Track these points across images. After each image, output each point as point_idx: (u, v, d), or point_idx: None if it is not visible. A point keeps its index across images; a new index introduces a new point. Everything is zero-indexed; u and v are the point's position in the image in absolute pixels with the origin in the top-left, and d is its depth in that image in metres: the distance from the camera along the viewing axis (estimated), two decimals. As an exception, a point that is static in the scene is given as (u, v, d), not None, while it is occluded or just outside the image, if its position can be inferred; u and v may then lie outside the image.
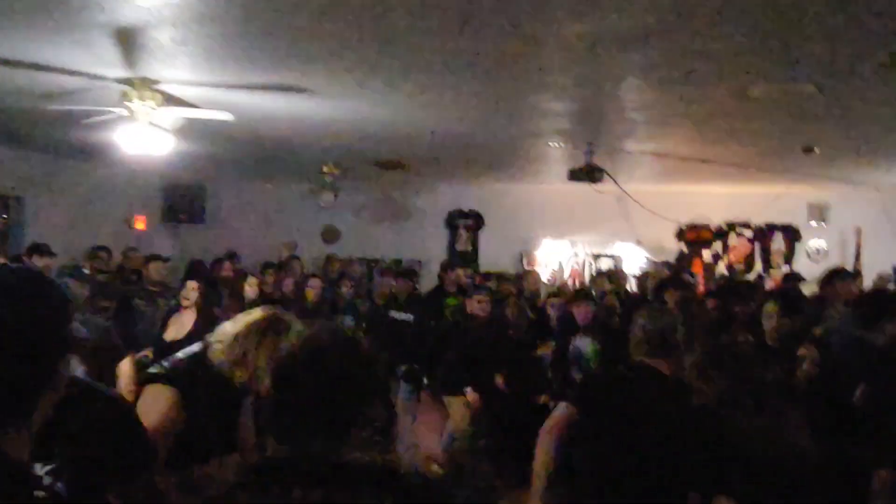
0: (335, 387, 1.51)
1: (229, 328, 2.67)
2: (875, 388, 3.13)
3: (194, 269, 8.40)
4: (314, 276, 8.05)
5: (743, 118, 5.64)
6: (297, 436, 1.50)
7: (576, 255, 11.27)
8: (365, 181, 10.64)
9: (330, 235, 11.83)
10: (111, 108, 5.19)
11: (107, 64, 4.60)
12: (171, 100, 5.27)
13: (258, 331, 2.61)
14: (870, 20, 3.37)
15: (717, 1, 3.23)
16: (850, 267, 9.35)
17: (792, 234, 10.70)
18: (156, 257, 7.08)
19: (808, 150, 6.68)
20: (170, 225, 11.65)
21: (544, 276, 10.40)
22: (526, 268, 10.46)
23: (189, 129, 6.19)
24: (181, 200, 11.63)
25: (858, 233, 10.02)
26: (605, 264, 10.79)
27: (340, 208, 10.85)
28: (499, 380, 6.14)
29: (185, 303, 5.55)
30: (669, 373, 2.93)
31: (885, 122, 5.70)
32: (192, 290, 5.57)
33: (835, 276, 5.65)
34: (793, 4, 3.24)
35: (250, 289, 7.00)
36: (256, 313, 2.71)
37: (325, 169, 9.03)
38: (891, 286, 8.10)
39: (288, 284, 7.94)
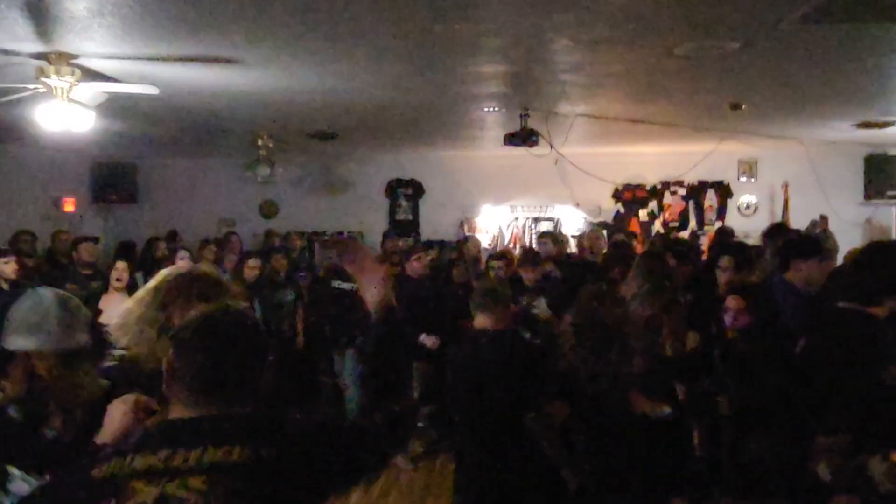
0: (227, 355, 1.64)
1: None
2: (815, 342, 3.24)
3: (124, 250, 8.21)
4: (251, 254, 7.94)
5: (670, 77, 5.72)
6: (198, 399, 1.62)
7: (516, 219, 11.38)
8: (301, 154, 10.50)
9: (268, 210, 11.66)
10: (28, 86, 4.98)
11: (20, 38, 4.40)
12: (90, 74, 5.08)
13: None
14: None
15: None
16: (778, 220, 9.69)
17: (723, 191, 10.99)
18: (85, 238, 6.89)
19: (735, 106, 6.82)
20: (101, 206, 11.32)
21: (485, 242, 10.48)
22: (466, 234, 10.52)
23: (114, 106, 5.99)
24: (111, 180, 11.29)
25: (786, 187, 10.35)
26: (545, 227, 10.91)
27: (278, 182, 10.69)
28: (430, 341, 6.23)
29: (115, 284, 5.43)
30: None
31: (808, 77, 5.84)
32: (122, 270, 5.44)
33: (776, 230, 5.88)
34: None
35: (249, 270, 6.94)
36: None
37: (259, 142, 8.87)
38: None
39: (231, 260, 7.83)
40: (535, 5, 3.90)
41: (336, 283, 7.02)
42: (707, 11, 4.05)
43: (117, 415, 1.98)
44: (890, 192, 10.24)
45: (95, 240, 7.19)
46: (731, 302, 4.07)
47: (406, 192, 11.63)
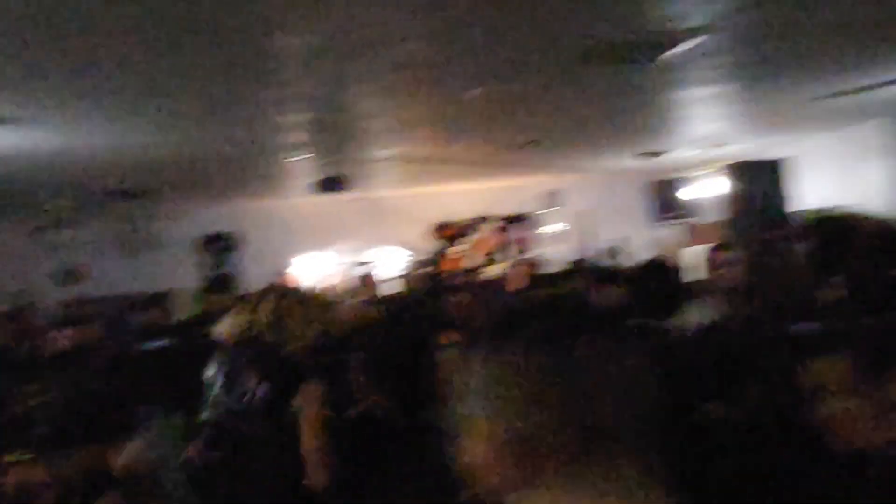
0: None
1: None
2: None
3: None
4: (57, 324, 7.35)
5: (469, 118, 6.02)
6: None
7: (338, 265, 11.35)
8: (105, 214, 9.93)
9: (70, 276, 10.89)
10: None
11: None
12: None
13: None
14: (560, 21, 3.75)
15: (423, 17, 3.44)
16: (583, 247, 10.36)
17: (533, 222, 11.64)
18: None
19: (533, 143, 7.28)
20: None
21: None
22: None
23: None
24: None
25: (589, 216, 11.11)
26: (366, 270, 10.97)
27: (77, 246, 10.01)
28: None
29: None
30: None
31: (591, 114, 6.36)
32: None
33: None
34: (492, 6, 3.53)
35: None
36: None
37: (48, 206, 8.29)
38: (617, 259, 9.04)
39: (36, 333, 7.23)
40: (329, 55, 3.99)
41: (148, 346, 6.67)
42: (492, 57, 4.33)
43: None
44: (673, 214, 11.34)
45: None
46: None
47: (220, 245, 11.29)
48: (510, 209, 11.57)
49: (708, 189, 9.47)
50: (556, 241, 11.32)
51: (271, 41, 3.68)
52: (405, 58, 4.13)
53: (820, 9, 3.90)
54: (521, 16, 3.55)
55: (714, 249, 4.51)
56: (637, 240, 10.45)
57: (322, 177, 7.53)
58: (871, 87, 5.76)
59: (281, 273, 11.00)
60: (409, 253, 11.22)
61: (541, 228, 11.63)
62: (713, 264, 4.29)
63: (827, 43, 4.59)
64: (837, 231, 4.95)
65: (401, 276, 9.85)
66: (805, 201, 8.00)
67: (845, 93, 5.90)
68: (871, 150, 8.18)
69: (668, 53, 4.31)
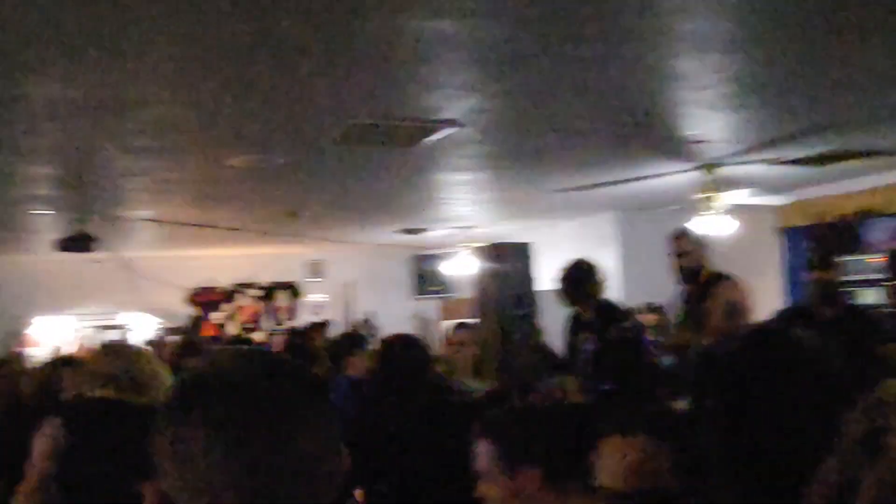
0: None
1: None
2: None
3: None
4: None
5: (230, 185, 5.94)
6: None
7: (80, 328, 10.47)
8: None
9: None
10: None
11: None
12: None
13: None
14: (322, 100, 3.87)
15: (180, 84, 3.40)
16: (345, 317, 10.46)
17: (294, 291, 11.55)
18: None
19: (292, 214, 7.31)
20: None
21: (41, 355, 9.41)
22: (14, 349, 9.33)
23: None
24: None
25: (352, 287, 11.27)
26: (113, 335, 10.22)
27: None
28: None
29: None
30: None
31: (351, 190, 6.55)
32: None
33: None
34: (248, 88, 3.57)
35: None
36: None
37: None
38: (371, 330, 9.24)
39: None
40: (80, 109, 3.79)
41: None
42: (254, 128, 4.35)
43: None
44: (432, 289, 11.83)
45: None
46: None
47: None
48: (273, 277, 11.42)
49: (464, 266, 10.02)
50: (319, 311, 11.33)
51: (21, 88, 3.43)
52: (163, 120, 4.02)
53: (555, 116, 4.38)
54: (283, 91, 3.62)
55: (456, 327, 4.78)
56: (398, 312, 10.75)
57: (69, 233, 6.99)
58: (602, 185, 6.49)
59: (18, 333, 9.94)
60: (161, 320, 10.63)
61: (304, 298, 11.58)
62: (449, 341, 4.55)
63: (562, 144, 5.15)
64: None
65: (150, 343, 9.29)
66: (549, 282, 8.74)
67: (582, 188, 6.59)
68: (605, 238, 9.18)
69: (424, 141, 4.60)
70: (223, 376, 0.98)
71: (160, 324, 10.59)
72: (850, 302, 5.69)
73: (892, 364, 4.01)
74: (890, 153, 5.76)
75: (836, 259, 5.19)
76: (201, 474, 0.92)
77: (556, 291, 4.59)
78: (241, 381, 0.97)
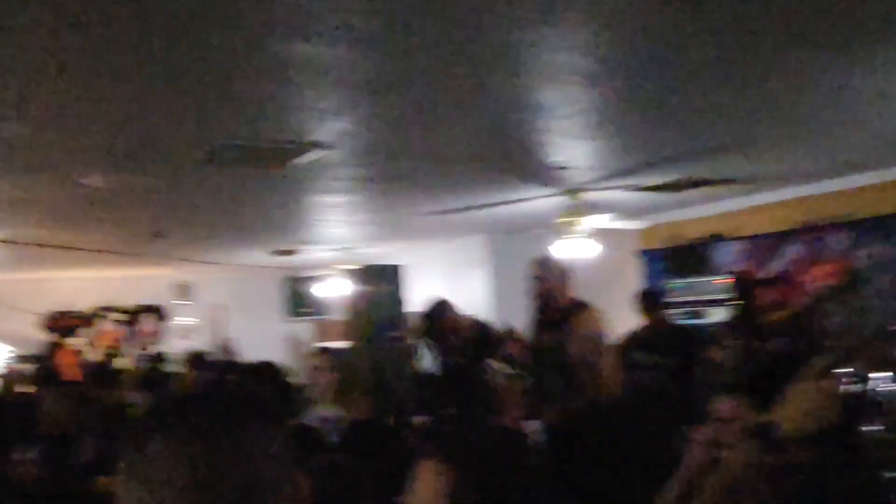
0: None
1: None
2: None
3: None
4: None
5: (89, 205, 5.66)
6: None
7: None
8: None
9: None
10: None
11: None
12: None
13: None
14: (186, 120, 3.76)
15: (25, 98, 3.23)
16: (215, 341, 10.13)
17: (160, 314, 11.08)
18: None
19: (158, 235, 7.05)
20: None
21: None
22: None
23: None
24: None
25: (221, 309, 10.94)
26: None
27: None
28: None
29: None
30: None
31: (220, 211, 6.39)
32: None
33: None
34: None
35: None
36: None
37: None
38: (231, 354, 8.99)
39: None
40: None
41: None
42: (111, 147, 4.16)
43: None
44: (305, 311, 11.67)
45: None
46: None
47: None
48: (138, 300, 10.91)
49: (336, 289, 9.95)
50: (187, 335, 10.93)
51: None
52: (8, 136, 3.79)
53: (423, 141, 4.45)
54: (143, 107, 3.50)
55: (319, 352, 4.75)
56: (271, 335, 10.51)
57: None
58: (471, 209, 6.63)
59: None
60: (11, 348, 9.93)
61: (170, 321, 11.13)
62: (312, 367, 4.52)
63: (432, 168, 5.22)
64: (438, 329, 5.54)
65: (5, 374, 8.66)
66: (420, 303, 8.83)
67: (452, 211, 6.71)
68: (475, 260, 9.37)
69: (293, 162, 4.55)
70: (187, 399, 1.04)
71: (12, 351, 9.89)
72: (675, 323, 6.58)
73: (714, 364, 4.77)
74: (737, 181, 6.21)
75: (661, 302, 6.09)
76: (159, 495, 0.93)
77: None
78: (204, 404, 1.01)
